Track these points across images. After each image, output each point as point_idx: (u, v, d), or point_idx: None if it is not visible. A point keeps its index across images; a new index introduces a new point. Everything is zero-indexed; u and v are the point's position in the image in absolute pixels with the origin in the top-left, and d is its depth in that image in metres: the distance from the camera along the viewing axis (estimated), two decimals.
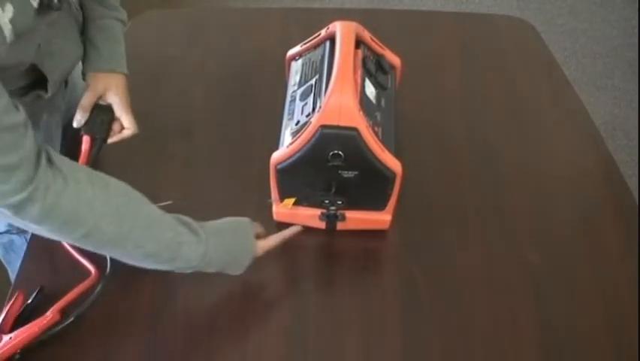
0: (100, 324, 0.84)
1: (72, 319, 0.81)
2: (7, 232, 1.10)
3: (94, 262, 0.87)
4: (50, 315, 0.81)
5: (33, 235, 0.97)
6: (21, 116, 0.68)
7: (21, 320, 0.82)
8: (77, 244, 0.79)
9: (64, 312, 0.82)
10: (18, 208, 0.68)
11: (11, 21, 0.69)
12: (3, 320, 0.81)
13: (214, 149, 1.09)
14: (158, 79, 1.23)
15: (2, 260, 1.22)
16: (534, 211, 1.01)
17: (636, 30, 2.72)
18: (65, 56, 0.92)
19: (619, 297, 0.90)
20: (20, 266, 0.92)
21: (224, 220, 0.85)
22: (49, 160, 0.70)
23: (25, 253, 0.94)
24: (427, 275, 0.91)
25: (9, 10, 0.69)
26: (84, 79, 0.98)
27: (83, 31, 0.97)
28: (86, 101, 0.94)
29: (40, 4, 0.76)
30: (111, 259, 0.85)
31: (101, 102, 0.95)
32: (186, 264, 0.80)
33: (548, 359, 0.83)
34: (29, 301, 0.84)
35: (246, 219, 0.87)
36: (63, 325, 0.81)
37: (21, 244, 1.10)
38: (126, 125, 0.96)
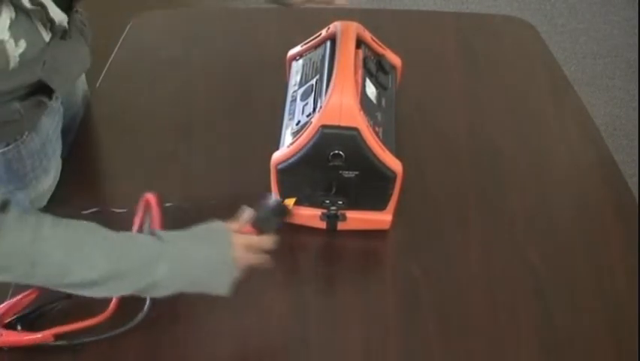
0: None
1: (64, 343, 0.80)
2: None
3: (117, 305, 0.82)
4: (41, 336, 0.79)
5: None
6: None
7: (26, 320, 0.81)
8: (33, 282, 0.75)
9: (58, 337, 0.79)
10: None
11: (21, 55, 0.67)
12: (3, 313, 0.80)
13: (214, 149, 1.09)
14: (158, 79, 1.23)
15: None
16: (534, 211, 1.01)
17: (636, 30, 2.72)
18: (71, 70, 0.91)
19: (619, 297, 0.90)
20: None
21: (189, 229, 0.79)
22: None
23: None
24: (428, 275, 0.91)
25: (22, 45, 0.67)
26: None
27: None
28: None
29: (52, 36, 0.75)
30: (148, 310, 0.81)
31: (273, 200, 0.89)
32: (153, 275, 0.74)
33: (548, 358, 0.83)
34: (48, 305, 0.83)
35: (218, 223, 0.80)
36: (53, 344, 0.79)
37: None
38: None
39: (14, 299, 0.81)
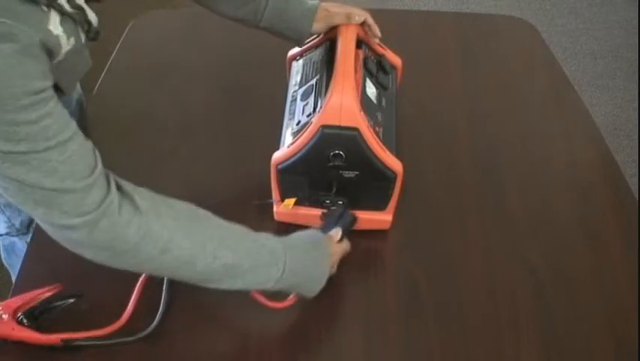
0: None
1: (71, 345, 0.80)
2: (7, 234, 1.10)
3: (130, 315, 0.83)
4: (52, 338, 0.79)
5: (34, 236, 0.97)
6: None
7: (31, 315, 0.80)
8: (153, 270, 0.75)
9: (67, 341, 0.80)
10: (92, 227, 0.66)
11: (66, 52, 0.68)
12: (17, 306, 0.80)
13: (214, 149, 1.09)
14: (158, 79, 1.23)
15: (5, 263, 1.22)
16: (534, 211, 1.01)
17: (636, 30, 2.72)
18: (77, 70, 0.92)
19: (619, 297, 0.90)
20: (21, 267, 0.92)
21: (298, 234, 0.84)
22: (116, 183, 0.70)
23: (25, 254, 0.94)
24: (428, 275, 0.91)
25: (71, 42, 0.68)
26: (305, 39, 1.00)
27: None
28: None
29: (86, 37, 0.75)
30: (158, 323, 0.82)
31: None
32: (267, 272, 0.76)
33: (548, 359, 0.83)
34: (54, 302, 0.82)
35: (319, 233, 0.86)
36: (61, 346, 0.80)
37: (22, 247, 1.10)
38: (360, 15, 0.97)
39: (32, 293, 0.81)
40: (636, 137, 2.23)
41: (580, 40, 2.69)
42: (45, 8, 0.62)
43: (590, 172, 1.10)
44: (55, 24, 0.64)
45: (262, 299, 0.83)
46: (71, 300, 0.83)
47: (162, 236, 0.69)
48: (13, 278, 1.13)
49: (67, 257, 0.89)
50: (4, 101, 0.57)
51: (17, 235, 1.11)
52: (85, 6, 0.70)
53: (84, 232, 0.66)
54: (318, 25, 0.97)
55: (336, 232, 0.87)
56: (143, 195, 0.71)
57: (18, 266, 0.92)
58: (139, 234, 0.68)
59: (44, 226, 0.68)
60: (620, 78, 2.51)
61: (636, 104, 2.37)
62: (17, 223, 1.08)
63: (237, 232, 0.77)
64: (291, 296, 0.84)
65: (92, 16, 0.72)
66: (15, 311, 0.79)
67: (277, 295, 0.82)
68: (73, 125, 0.65)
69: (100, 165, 0.67)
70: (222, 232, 0.75)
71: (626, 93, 2.44)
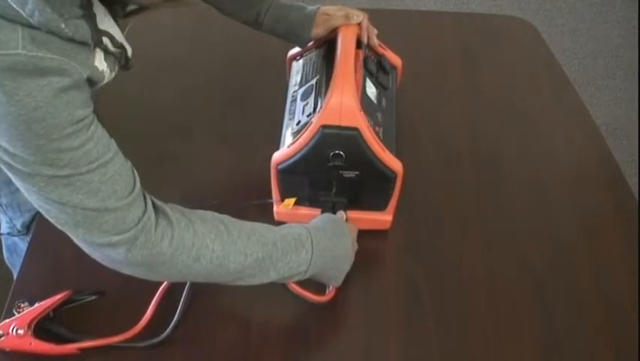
0: None
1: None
2: (8, 233, 1.10)
3: (149, 320, 0.83)
4: (68, 348, 0.79)
5: (34, 236, 0.97)
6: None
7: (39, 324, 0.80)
8: (188, 277, 0.78)
9: (85, 349, 0.80)
10: (130, 245, 0.68)
11: (105, 83, 0.70)
12: (32, 319, 0.79)
13: (215, 149, 1.09)
14: (158, 79, 1.23)
15: (7, 262, 1.22)
16: (534, 211, 1.01)
17: (636, 30, 2.72)
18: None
19: (619, 297, 0.90)
20: (21, 267, 0.92)
21: (316, 218, 0.87)
22: (150, 198, 0.72)
23: (26, 254, 0.94)
24: (428, 275, 0.91)
25: (112, 75, 0.71)
26: (306, 44, 1.01)
27: None
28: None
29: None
30: (170, 331, 0.81)
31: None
32: (297, 258, 0.78)
33: (548, 359, 0.83)
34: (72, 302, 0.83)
35: (336, 216, 0.88)
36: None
37: (24, 247, 1.10)
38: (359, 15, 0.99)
39: (44, 303, 0.81)
40: (636, 137, 2.23)
41: (580, 40, 2.69)
42: (92, 48, 0.64)
43: (589, 172, 1.10)
44: (100, 61, 0.66)
45: (306, 293, 0.85)
46: (93, 297, 0.84)
47: (194, 244, 0.71)
48: (15, 277, 1.13)
49: (67, 257, 0.90)
50: (49, 131, 0.59)
51: (18, 236, 1.11)
52: (125, 43, 0.73)
53: (123, 249, 0.68)
54: (318, 31, 0.98)
55: (342, 215, 0.90)
56: (171, 208, 0.73)
57: (19, 266, 0.92)
58: (172, 246, 0.70)
59: (82, 245, 0.69)
60: (620, 78, 2.51)
61: (636, 104, 2.37)
62: (18, 225, 1.08)
63: (261, 227, 0.79)
64: (331, 288, 0.86)
65: (130, 52, 0.74)
66: (30, 324, 0.79)
67: (320, 290, 0.86)
68: (113, 145, 0.67)
69: (138, 184, 0.70)
70: (247, 230, 0.77)
71: (626, 93, 2.44)
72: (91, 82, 0.65)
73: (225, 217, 0.77)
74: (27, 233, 1.10)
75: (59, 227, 0.67)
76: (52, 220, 0.67)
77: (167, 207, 0.72)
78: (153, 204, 0.71)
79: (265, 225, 0.79)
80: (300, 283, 0.84)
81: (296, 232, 0.79)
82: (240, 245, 0.74)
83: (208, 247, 0.72)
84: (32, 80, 0.56)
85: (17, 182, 0.64)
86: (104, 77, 0.68)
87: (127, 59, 0.74)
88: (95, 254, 0.70)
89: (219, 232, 0.74)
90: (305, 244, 0.78)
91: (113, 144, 0.68)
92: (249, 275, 0.76)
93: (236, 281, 0.77)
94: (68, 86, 0.59)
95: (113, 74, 0.71)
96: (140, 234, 0.68)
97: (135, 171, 0.71)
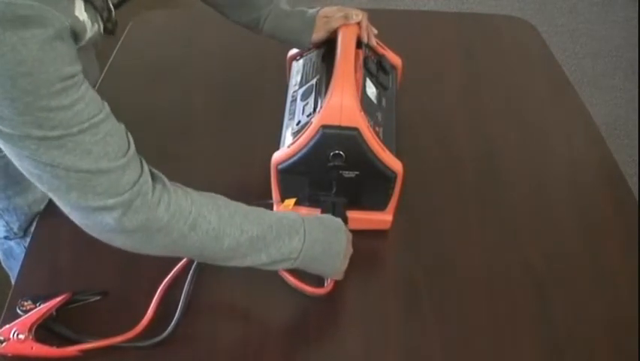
0: None
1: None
2: (5, 237, 1.10)
3: (150, 320, 0.83)
4: (70, 351, 0.79)
5: (32, 239, 0.96)
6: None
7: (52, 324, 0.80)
8: (182, 250, 0.75)
9: (86, 351, 0.80)
10: (126, 208, 0.66)
11: (88, 39, 0.69)
12: (32, 323, 0.79)
13: (214, 149, 1.09)
14: (158, 79, 1.23)
15: (4, 266, 1.22)
16: (534, 211, 1.01)
17: (636, 30, 2.72)
18: (88, 77, 0.93)
19: (619, 297, 0.90)
20: (20, 269, 0.91)
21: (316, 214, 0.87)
22: (148, 166, 0.71)
23: (25, 256, 0.94)
24: (428, 275, 0.91)
25: (94, 29, 0.69)
26: (307, 46, 1.01)
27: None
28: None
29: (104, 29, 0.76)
30: (171, 330, 0.81)
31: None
32: (289, 243, 0.77)
33: (548, 359, 0.83)
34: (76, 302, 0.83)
35: (334, 217, 0.87)
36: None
37: (20, 251, 1.10)
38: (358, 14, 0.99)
39: (44, 307, 0.80)
40: (636, 137, 2.23)
41: (580, 40, 2.70)
42: None
43: (590, 172, 1.10)
44: (80, 10, 0.65)
45: (304, 286, 0.85)
46: (97, 297, 0.84)
47: (191, 212, 0.70)
48: (12, 281, 1.13)
49: (65, 260, 0.90)
50: (37, 88, 0.57)
51: (14, 239, 1.10)
52: (110, 3, 0.72)
53: (118, 213, 0.66)
54: (318, 35, 0.99)
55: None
56: (168, 179, 0.72)
57: (16, 269, 0.92)
58: (169, 211, 0.69)
59: (74, 214, 0.67)
60: (620, 78, 2.51)
61: (636, 104, 2.37)
62: (15, 228, 1.08)
63: (257, 209, 0.79)
64: (329, 281, 0.86)
65: (114, 14, 0.74)
66: (31, 328, 0.79)
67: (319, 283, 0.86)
68: (106, 108, 0.66)
69: (133, 147, 0.68)
70: (245, 208, 0.77)
71: (626, 93, 2.44)
72: (74, 35, 0.63)
73: (223, 196, 0.77)
74: (24, 236, 1.09)
75: (51, 194, 0.66)
76: (44, 188, 0.65)
77: (165, 177, 0.72)
78: (151, 171, 0.70)
79: (261, 208, 0.79)
80: (298, 276, 0.84)
81: (292, 218, 0.79)
82: (237, 220, 0.74)
83: (205, 217, 0.71)
84: (14, 32, 0.54)
85: (8, 149, 0.63)
86: (85, 29, 0.66)
87: (112, 21, 0.72)
88: (89, 220, 0.67)
89: (217, 205, 0.73)
90: (299, 230, 0.78)
91: (106, 107, 0.66)
92: (242, 255, 0.75)
93: (228, 261, 0.76)
94: (52, 36, 0.57)
95: (96, 26, 0.69)
96: (136, 197, 0.66)
97: (130, 136, 0.69)
